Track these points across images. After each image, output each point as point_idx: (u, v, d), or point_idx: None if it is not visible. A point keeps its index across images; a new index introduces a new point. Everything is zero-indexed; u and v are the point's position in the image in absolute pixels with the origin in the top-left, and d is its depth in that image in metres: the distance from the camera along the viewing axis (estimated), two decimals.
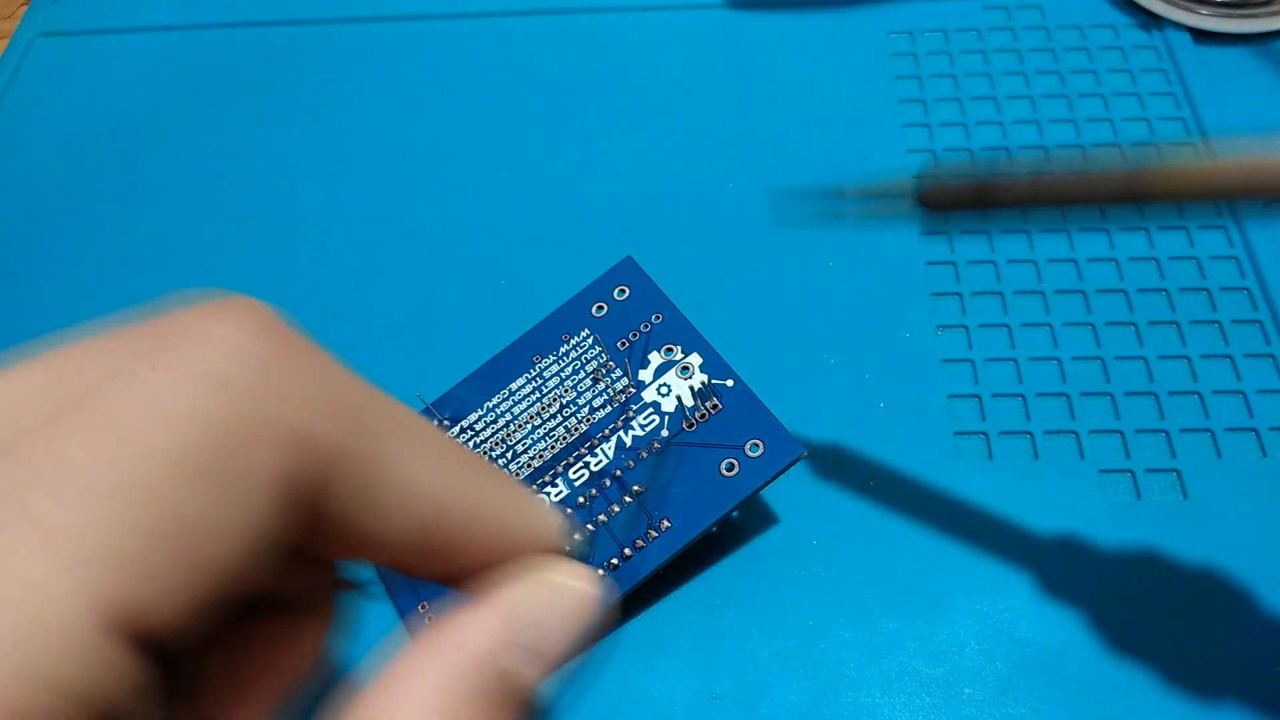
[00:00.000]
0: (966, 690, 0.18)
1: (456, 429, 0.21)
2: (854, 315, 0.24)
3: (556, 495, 0.20)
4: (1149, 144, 0.27)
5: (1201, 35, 0.29)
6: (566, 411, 0.21)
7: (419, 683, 0.11)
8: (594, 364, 0.21)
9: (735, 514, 0.20)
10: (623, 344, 0.21)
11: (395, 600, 0.19)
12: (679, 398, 0.20)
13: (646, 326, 0.21)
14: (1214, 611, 0.19)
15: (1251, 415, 0.22)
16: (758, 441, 0.19)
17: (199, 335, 0.10)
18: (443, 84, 0.30)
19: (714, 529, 0.19)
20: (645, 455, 0.20)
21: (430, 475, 0.11)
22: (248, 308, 0.10)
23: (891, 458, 0.21)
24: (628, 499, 0.19)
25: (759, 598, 0.20)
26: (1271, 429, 0.21)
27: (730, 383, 0.20)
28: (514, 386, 0.21)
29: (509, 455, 0.20)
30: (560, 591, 0.13)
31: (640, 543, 0.19)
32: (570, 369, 0.21)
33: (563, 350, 0.21)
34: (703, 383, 0.20)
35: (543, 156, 0.28)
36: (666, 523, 0.19)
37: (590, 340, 0.21)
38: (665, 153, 0.28)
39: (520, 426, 0.21)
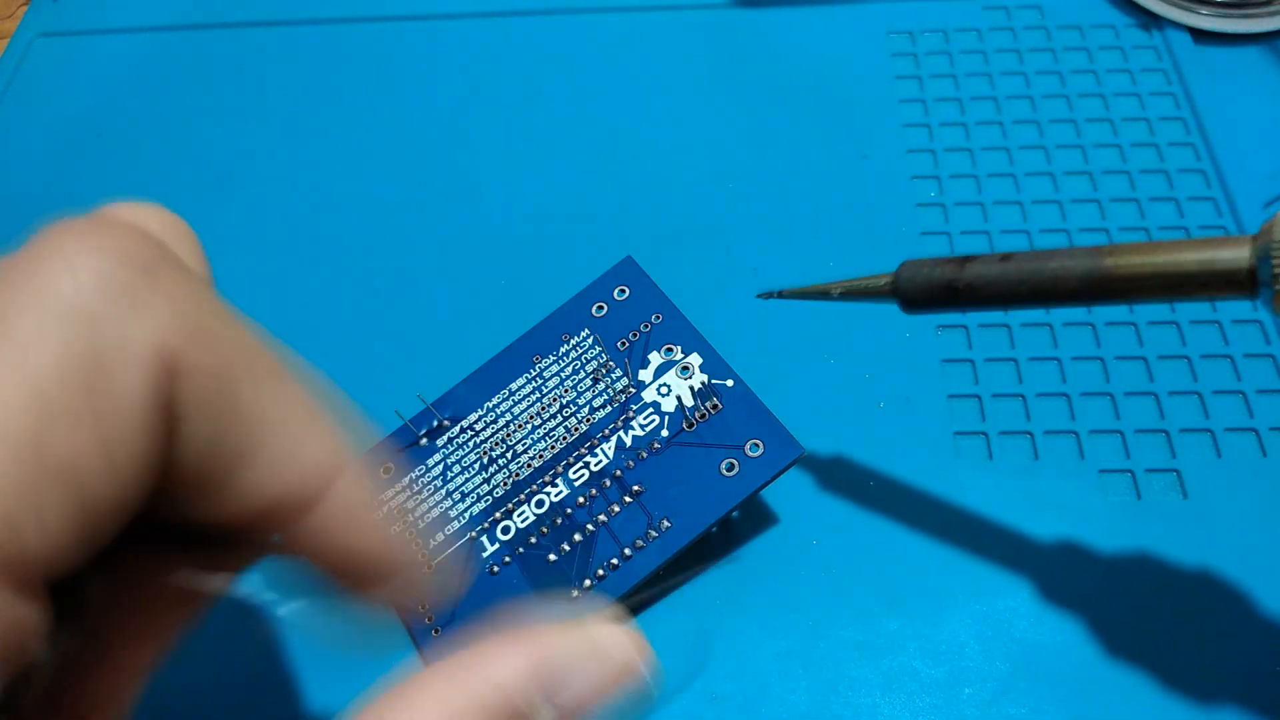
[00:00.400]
0: (966, 690, 0.18)
1: (457, 428, 0.21)
2: (854, 315, 0.24)
3: (557, 495, 0.20)
4: (1149, 144, 0.27)
5: (1201, 35, 0.29)
6: (567, 411, 0.21)
7: (433, 701, 0.11)
8: (594, 364, 0.21)
9: (735, 514, 0.20)
10: (623, 344, 0.21)
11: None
12: (679, 398, 0.20)
13: (646, 326, 0.21)
14: (1213, 611, 0.19)
15: (1251, 415, 0.22)
16: (758, 441, 0.19)
17: (58, 265, 0.10)
18: (443, 83, 0.30)
19: (714, 529, 0.19)
20: (645, 455, 0.20)
21: (310, 428, 0.11)
22: (110, 231, 0.10)
23: (891, 458, 0.21)
24: (628, 499, 0.19)
25: (759, 598, 0.20)
26: (1271, 429, 0.21)
27: (730, 383, 0.20)
28: (514, 386, 0.21)
29: (509, 455, 0.20)
30: (601, 653, 0.12)
31: (640, 543, 0.19)
32: (570, 369, 0.21)
33: (563, 350, 0.21)
34: (703, 383, 0.20)
35: (543, 157, 0.28)
36: (666, 523, 0.19)
37: (590, 340, 0.21)
38: (664, 153, 0.28)
39: (520, 426, 0.21)
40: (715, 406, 0.20)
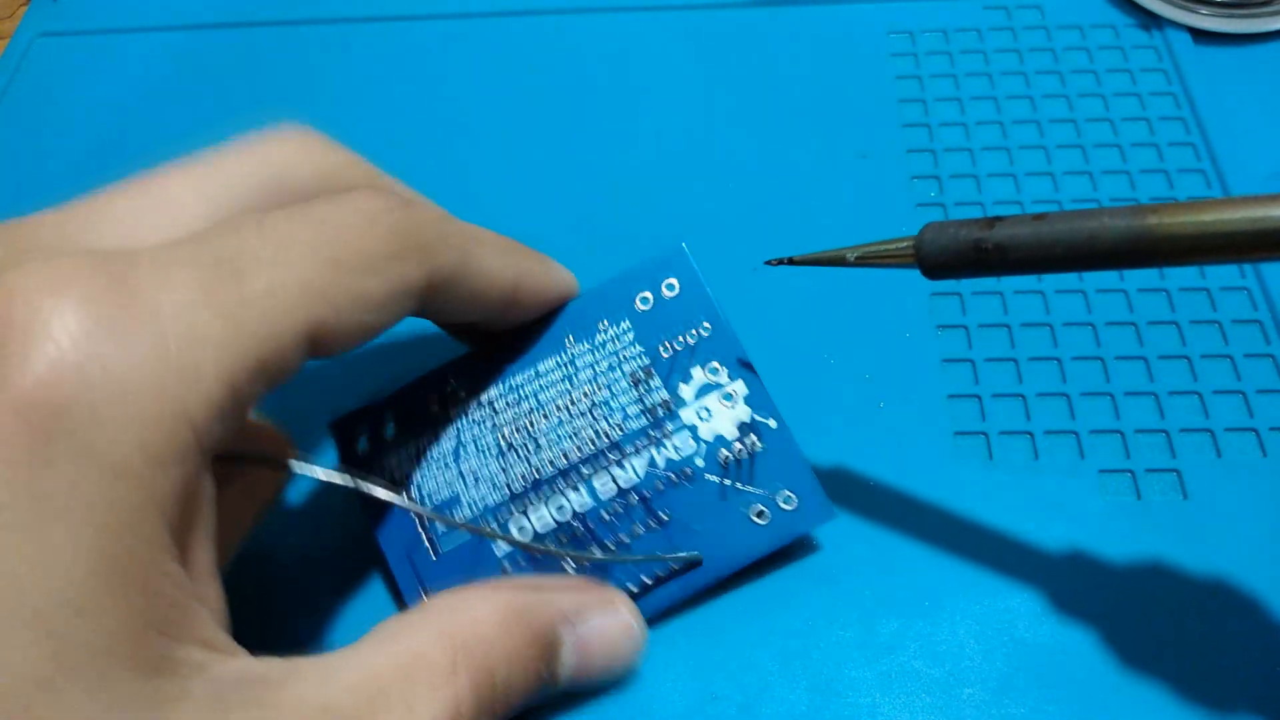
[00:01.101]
0: (966, 690, 0.18)
1: (473, 401, 0.19)
2: (854, 315, 0.24)
3: (580, 504, 0.19)
4: (1149, 144, 0.27)
5: (1201, 35, 0.29)
6: (598, 413, 0.19)
7: (497, 605, 0.16)
8: (634, 365, 0.19)
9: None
10: (665, 349, 0.19)
11: (400, 585, 0.19)
12: (718, 426, 0.19)
13: (694, 336, 0.19)
14: (1214, 612, 0.19)
15: (1251, 415, 0.22)
16: (791, 495, 0.19)
17: (365, 198, 0.16)
18: (442, 82, 0.30)
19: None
20: (676, 480, 0.19)
21: (499, 267, 0.18)
22: (376, 191, 0.16)
23: (891, 458, 0.21)
24: (653, 524, 0.19)
25: (759, 598, 0.20)
26: (1271, 429, 0.21)
27: (773, 423, 0.19)
28: (541, 369, 0.19)
29: (531, 445, 0.19)
30: (616, 611, 0.18)
31: (661, 575, 0.18)
32: (607, 364, 0.19)
33: (599, 340, 0.20)
34: (747, 417, 0.19)
35: (541, 155, 0.28)
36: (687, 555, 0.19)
37: (630, 336, 0.19)
38: (663, 152, 0.28)
39: (546, 416, 0.19)
40: (755, 445, 0.19)
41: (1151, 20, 0.29)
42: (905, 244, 0.16)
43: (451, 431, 0.19)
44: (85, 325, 0.12)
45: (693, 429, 0.19)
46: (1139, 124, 0.27)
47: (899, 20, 0.30)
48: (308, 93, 0.30)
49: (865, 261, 0.17)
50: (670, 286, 0.20)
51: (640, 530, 0.19)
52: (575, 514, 0.19)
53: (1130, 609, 0.19)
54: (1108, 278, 0.24)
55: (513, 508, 0.19)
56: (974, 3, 0.30)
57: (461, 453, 0.19)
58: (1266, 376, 0.22)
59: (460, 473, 0.19)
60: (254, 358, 0.13)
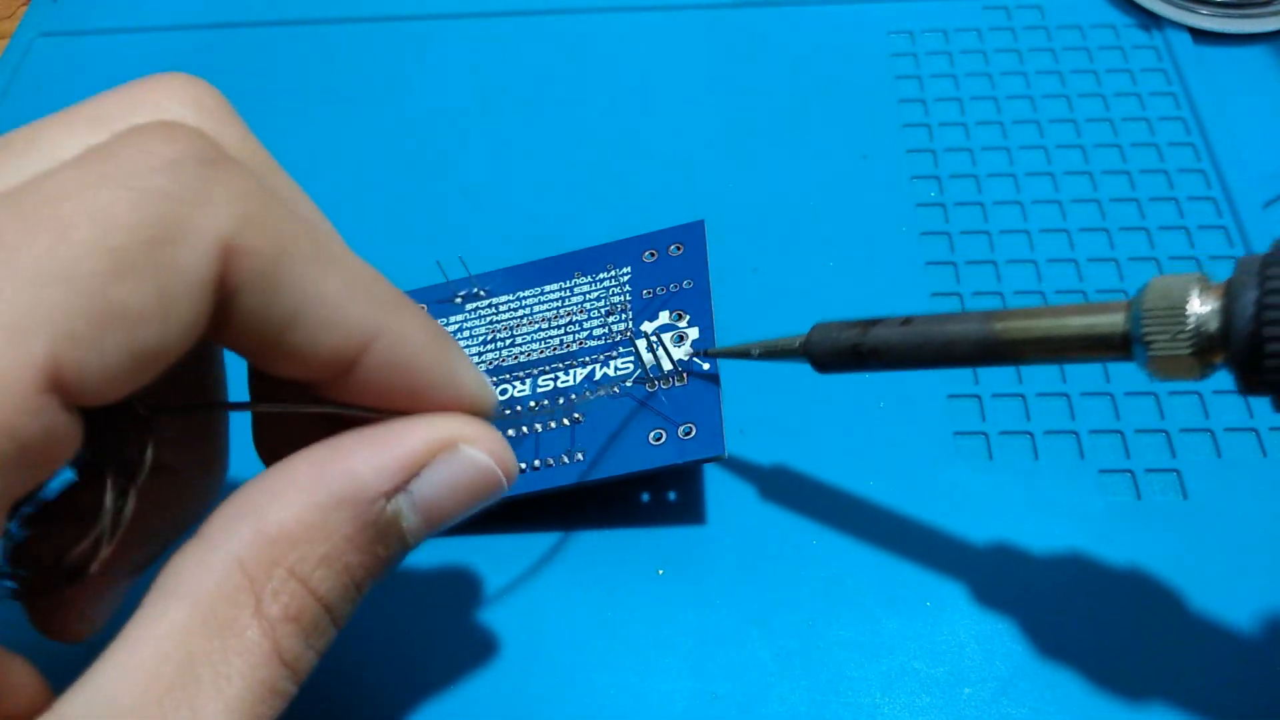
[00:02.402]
0: (966, 690, 0.18)
1: (487, 302, 0.23)
2: (853, 315, 0.24)
3: (518, 391, 0.21)
4: (1149, 144, 0.27)
5: (1201, 35, 0.29)
6: (571, 328, 0.22)
7: (296, 490, 0.13)
8: (618, 298, 0.22)
9: (645, 496, 0.21)
10: (648, 293, 0.22)
11: None
12: (659, 358, 0.21)
13: (676, 287, 0.22)
14: (1214, 612, 0.19)
15: (1251, 415, 0.22)
16: (692, 426, 0.19)
17: (138, 151, 0.11)
18: (441, 82, 0.30)
19: (643, 495, 0.20)
20: (602, 393, 0.21)
21: (345, 300, 0.12)
22: (180, 130, 0.12)
23: (891, 458, 0.21)
24: (566, 421, 0.20)
25: (759, 598, 0.20)
26: (1271, 429, 0.21)
27: (707, 366, 0.20)
28: (547, 289, 0.23)
29: (510, 341, 0.22)
30: (462, 454, 0.14)
31: (550, 461, 0.20)
32: (597, 294, 0.22)
33: (600, 276, 0.23)
34: (686, 355, 0.21)
35: (540, 153, 0.28)
36: (580, 456, 0.20)
37: (628, 278, 0.22)
38: (663, 152, 0.28)
39: (532, 323, 0.22)
40: (682, 379, 0.20)
41: (1151, 20, 0.29)
42: (795, 342, 0.18)
43: (459, 318, 0.23)
44: None
45: (637, 356, 0.21)
46: (1139, 124, 0.27)
47: (899, 20, 0.30)
48: (310, 93, 0.30)
49: (766, 356, 0.19)
50: (676, 249, 0.23)
51: (553, 425, 0.20)
52: (513, 398, 0.21)
53: (1130, 609, 0.19)
54: (1109, 278, 0.24)
55: None
56: (974, 3, 0.30)
57: (457, 335, 0.23)
58: None
59: None
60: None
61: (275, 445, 0.16)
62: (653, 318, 0.22)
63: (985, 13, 0.30)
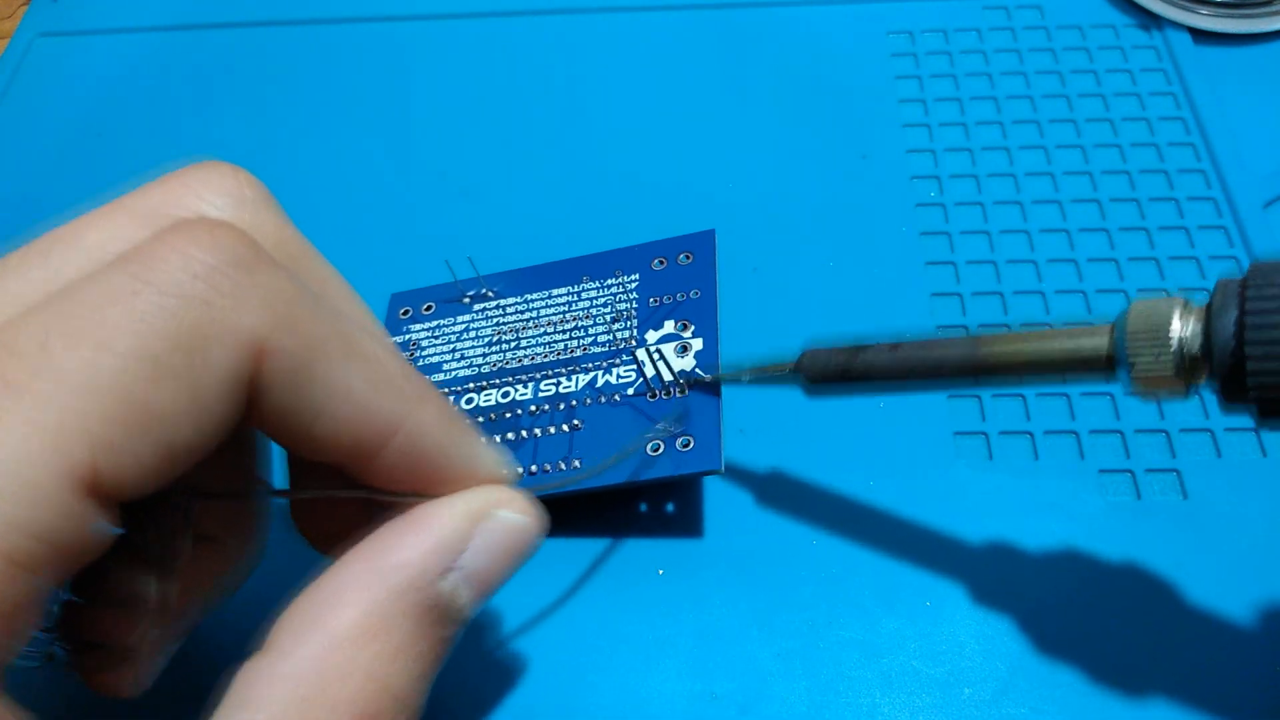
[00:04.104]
0: (966, 690, 0.18)
1: (494, 303, 0.23)
2: (854, 315, 0.24)
3: (520, 394, 0.21)
4: (1149, 144, 0.27)
5: (1201, 35, 0.29)
6: (576, 333, 0.22)
7: (357, 596, 0.13)
8: (625, 305, 0.22)
9: (643, 506, 0.21)
10: (655, 301, 0.22)
11: None
12: (661, 369, 0.20)
13: (683, 296, 0.22)
14: (1214, 612, 0.19)
15: None
16: (690, 439, 0.19)
17: (177, 257, 0.12)
18: (441, 82, 0.30)
19: (641, 505, 0.21)
20: (603, 400, 0.20)
21: (369, 396, 0.13)
22: (220, 230, 0.12)
23: (891, 457, 0.21)
24: (565, 428, 0.20)
25: (759, 598, 0.20)
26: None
27: (708, 378, 0.20)
28: (555, 292, 0.23)
29: (515, 343, 0.22)
30: (505, 525, 0.15)
31: (548, 467, 0.20)
32: (604, 300, 0.22)
33: (608, 282, 0.23)
34: (688, 367, 0.20)
35: (542, 154, 0.28)
36: (577, 463, 0.20)
37: (635, 285, 0.22)
38: (663, 152, 0.28)
39: (538, 326, 0.22)
40: (683, 391, 0.20)
41: (1151, 20, 0.29)
42: (789, 367, 0.19)
43: (466, 318, 0.23)
44: None
45: (639, 365, 0.21)
46: (1139, 124, 0.27)
47: (899, 20, 0.30)
48: (317, 92, 0.30)
49: (757, 381, 0.19)
50: (685, 257, 0.22)
51: (552, 430, 0.20)
52: (514, 401, 0.21)
53: (1130, 609, 0.19)
54: (1109, 278, 0.24)
55: (473, 384, 0.22)
56: (974, 3, 0.30)
57: (463, 335, 0.23)
58: None
59: (454, 349, 0.23)
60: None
61: (311, 515, 0.17)
62: (658, 326, 0.21)
63: (985, 13, 0.30)
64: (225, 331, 0.12)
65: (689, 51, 0.30)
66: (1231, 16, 0.29)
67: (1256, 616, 0.19)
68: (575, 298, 0.23)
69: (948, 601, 0.20)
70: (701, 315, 0.21)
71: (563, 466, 0.20)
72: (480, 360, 0.22)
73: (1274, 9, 0.28)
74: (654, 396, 0.20)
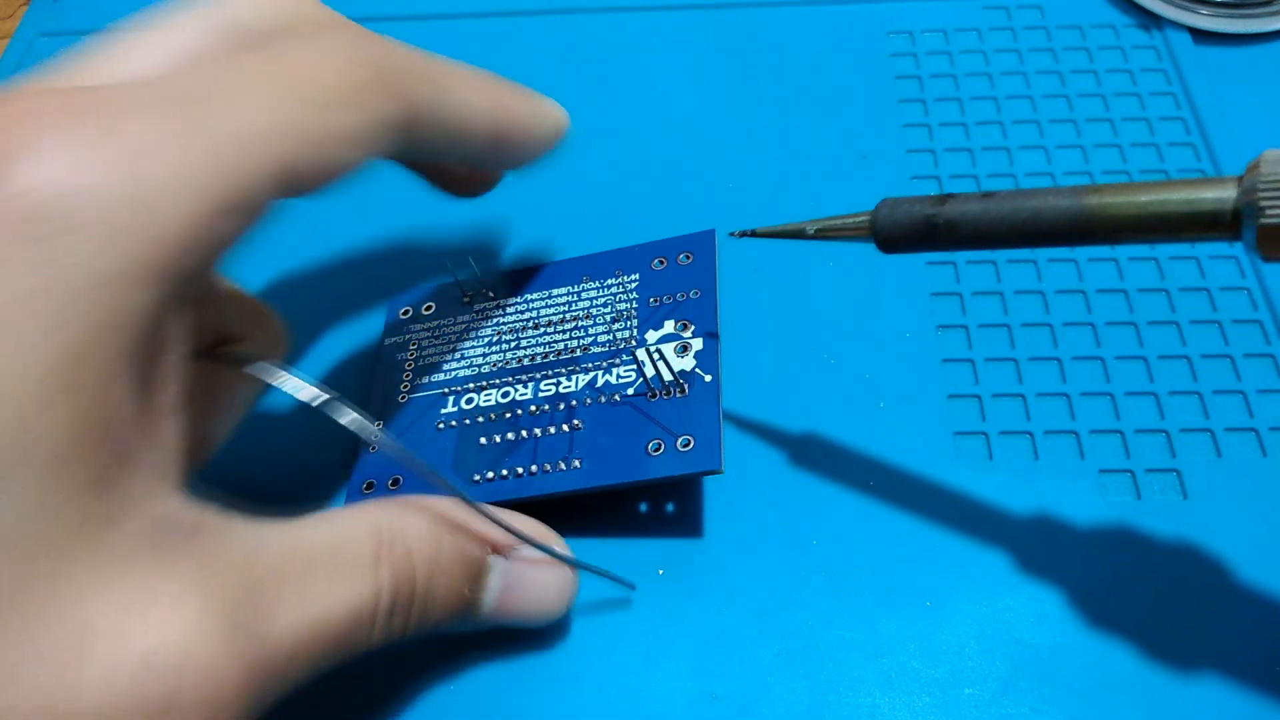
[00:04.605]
0: (966, 690, 0.18)
1: (495, 303, 0.23)
2: (854, 315, 0.24)
3: (520, 394, 0.21)
4: (1149, 144, 0.27)
5: (1201, 35, 0.29)
6: (576, 333, 0.22)
7: (425, 512, 0.16)
8: (625, 305, 0.22)
9: (643, 506, 0.21)
10: (655, 300, 0.22)
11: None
12: (661, 369, 0.20)
13: (683, 296, 0.22)
14: (1214, 612, 0.19)
15: (1251, 415, 0.22)
16: (690, 439, 0.19)
17: (323, 33, 0.16)
18: None
19: (641, 505, 0.21)
20: (603, 400, 0.20)
21: (474, 99, 0.18)
22: (344, 27, 0.17)
23: (891, 458, 0.21)
24: (565, 428, 0.20)
25: (759, 598, 0.20)
26: (1271, 429, 0.21)
27: (709, 378, 0.20)
28: (555, 292, 0.23)
29: (515, 344, 0.22)
30: (558, 573, 0.18)
31: (548, 467, 0.20)
32: (604, 300, 0.22)
33: (608, 282, 0.23)
34: (688, 367, 0.20)
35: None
36: (577, 463, 0.20)
37: (634, 285, 0.22)
38: (663, 152, 0.28)
39: (536, 326, 0.22)
40: (683, 391, 0.20)
41: (1151, 20, 0.29)
42: (862, 219, 0.17)
43: (465, 319, 0.23)
44: (65, 149, 0.12)
45: (639, 365, 0.21)
46: (1139, 124, 0.27)
47: (899, 20, 0.30)
48: None
49: (823, 235, 0.18)
50: (685, 257, 0.23)
51: (552, 430, 0.20)
52: (514, 401, 0.21)
53: (1130, 609, 0.19)
54: (1109, 278, 0.24)
55: (473, 384, 0.22)
56: (974, 3, 0.30)
57: (462, 336, 0.23)
58: (1266, 376, 0.22)
59: (454, 349, 0.23)
60: (223, 194, 0.13)
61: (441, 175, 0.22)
62: (658, 326, 0.21)
63: (985, 13, 0.30)
64: (385, 82, 0.16)
65: (688, 51, 0.30)
66: (1231, 16, 0.29)
67: (1257, 617, 0.19)
68: (575, 298, 0.23)
69: (948, 601, 0.20)
70: (701, 315, 0.21)
71: (563, 466, 0.20)
72: (480, 360, 0.22)
73: (1274, 9, 0.28)
74: (654, 396, 0.20)
